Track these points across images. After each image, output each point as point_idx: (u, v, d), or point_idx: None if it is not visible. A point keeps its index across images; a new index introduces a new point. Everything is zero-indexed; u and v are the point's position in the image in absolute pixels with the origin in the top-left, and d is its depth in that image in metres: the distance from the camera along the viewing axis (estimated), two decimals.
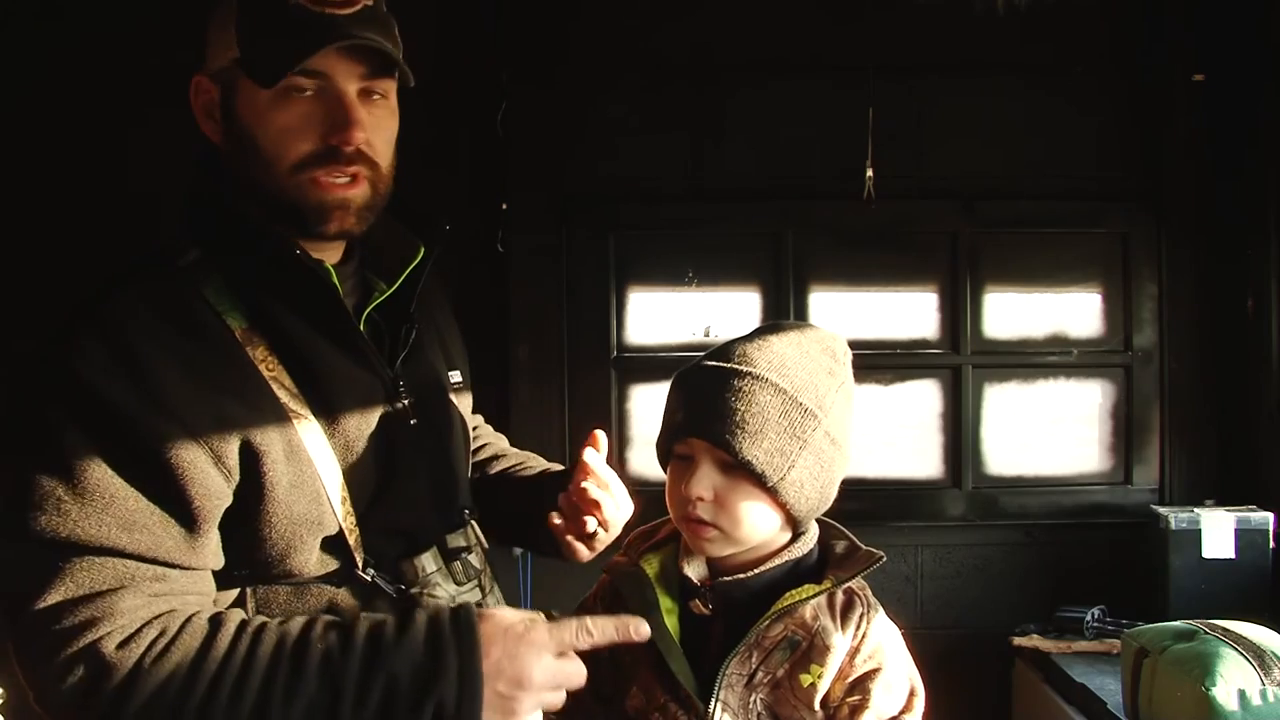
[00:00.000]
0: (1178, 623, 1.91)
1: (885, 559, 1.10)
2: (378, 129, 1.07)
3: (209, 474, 0.96)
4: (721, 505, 1.05)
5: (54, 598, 0.91)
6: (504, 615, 1.00)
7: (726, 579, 1.09)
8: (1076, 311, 2.80)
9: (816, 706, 1.06)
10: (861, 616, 1.08)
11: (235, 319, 1.03)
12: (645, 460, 2.76)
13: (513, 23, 2.72)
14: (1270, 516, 2.44)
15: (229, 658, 0.93)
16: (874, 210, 2.65)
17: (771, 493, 1.04)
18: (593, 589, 1.22)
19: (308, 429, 1.03)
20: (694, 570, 1.12)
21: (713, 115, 2.75)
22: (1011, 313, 2.80)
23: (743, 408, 1.03)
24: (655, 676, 1.09)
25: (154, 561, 0.94)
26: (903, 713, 1.08)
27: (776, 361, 1.06)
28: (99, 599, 0.92)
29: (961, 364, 2.76)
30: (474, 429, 1.41)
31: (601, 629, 0.98)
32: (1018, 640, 2.54)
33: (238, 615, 0.99)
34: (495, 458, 1.42)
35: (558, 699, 0.99)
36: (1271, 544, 2.43)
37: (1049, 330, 2.80)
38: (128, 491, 0.93)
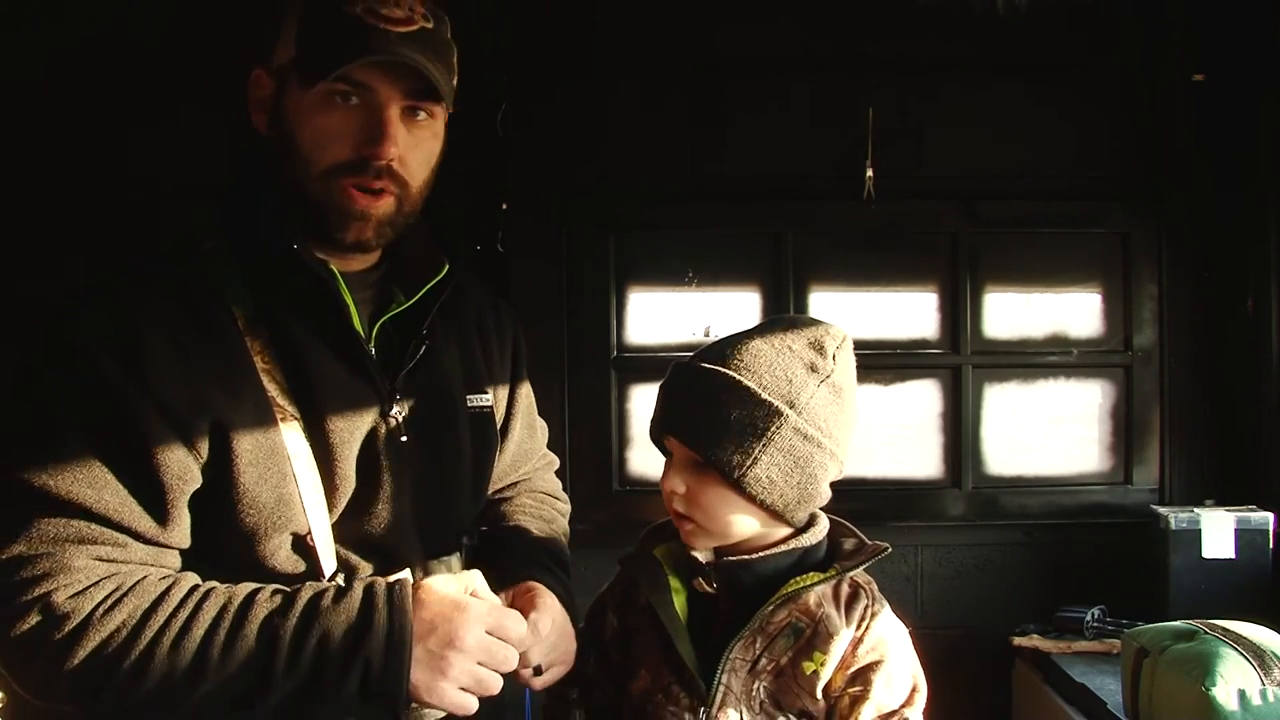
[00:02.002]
0: (1178, 623, 1.90)
1: (890, 549, 1.12)
2: (415, 148, 1.08)
3: (178, 453, 0.97)
4: (694, 500, 1.08)
5: (16, 549, 0.93)
6: (442, 584, 1.02)
7: (730, 559, 1.11)
8: (1076, 311, 2.79)
9: (819, 695, 1.07)
10: (866, 609, 1.10)
11: (241, 309, 1.05)
12: (645, 460, 2.76)
13: (513, 24, 2.72)
14: (1270, 516, 2.44)
15: (177, 611, 0.95)
16: (874, 210, 2.65)
17: (737, 487, 1.06)
18: (609, 583, 1.24)
19: (290, 427, 1.04)
20: (702, 554, 1.13)
21: (712, 115, 2.75)
22: (1011, 313, 2.80)
23: (701, 406, 1.06)
24: (662, 658, 1.11)
25: (118, 528, 0.96)
26: (903, 707, 1.09)
27: (748, 359, 1.08)
28: (57, 554, 0.94)
29: (961, 364, 2.76)
30: (516, 472, 1.38)
31: (517, 627, 1.03)
32: (1018, 640, 2.53)
33: (191, 576, 1.00)
34: (505, 502, 1.36)
35: (492, 680, 1.00)
36: (1271, 544, 2.43)
37: (1049, 330, 2.79)
38: (101, 458, 0.95)
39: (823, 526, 1.14)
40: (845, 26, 2.71)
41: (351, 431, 1.07)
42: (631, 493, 2.74)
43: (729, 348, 1.10)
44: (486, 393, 1.25)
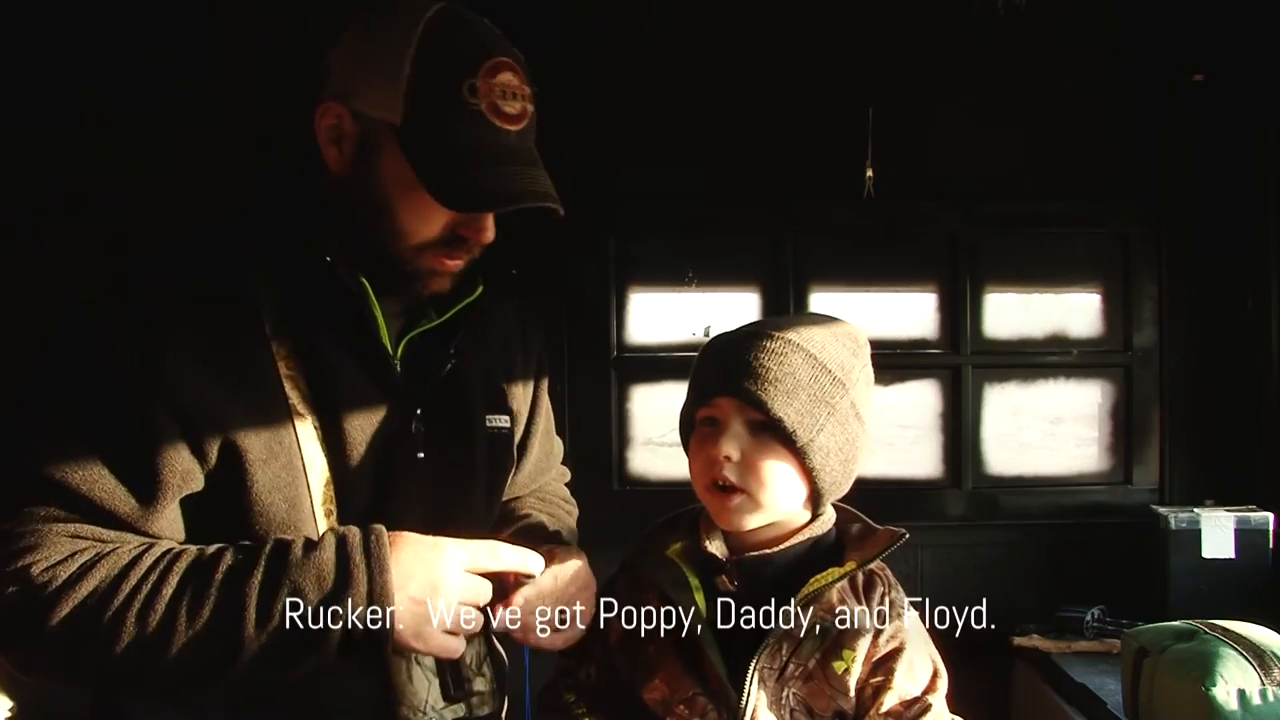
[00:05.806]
0: (1178, 623, 1.90)
1: (907, 536, 1.10)
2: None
3: (179, 450, 0.97)
4: (749, 467, 1.04)
5: (3, 527, 0.94)
6: (415, 534, 1.00)
7: (752, 554, 1.08)
8: (1076, 311, 2.80)
9: (851, 693, 1.05)
10: (884, 595, 1.08)
11: (269, 313, 1.04)
12: (645, 460, 2.76)
13: (511, 25, 2.71)
14: (1270, 516, 2.44)
15: (148, 574, 0.94)
16: (874, 210, 2.65)
17: (800, 455, 1.04)
18: (608, 581, 1.18)
19: (308, 435, 1.03)
20: (717, 548, 1.10)
21: (712, 115, 2.75)
22: (1011, 313, 2.80)
23: (775, 366, 1.04)
24: (683, 666, 1.07)
25: (105, 513, 0.96)
26: (926, 693, 1.07)
27: (805, 333, 1.07)
28: (41, 530, 0.94)
29: (961, 364, 2.76)
30: (531, 488, 1.37)
31: (506, 556, 1.03)
32: (1018, 640, 2.53)
33: (168, 542, 0.99)
34: (513, 501, 1.34)
35: (472, 620, 0.99)
36: (1271, 544, 2.43)
37: (1049, 330, 2.80)
38: (98, 445, 0.95)
39: (831, 513, 1.13)
40: (845, 27, 2.71)
41: (369, 444, 1.06)
42: (631, 492, 2.74)
43: (781, 324, 1.08)
44: (506, 413, 1.24)
